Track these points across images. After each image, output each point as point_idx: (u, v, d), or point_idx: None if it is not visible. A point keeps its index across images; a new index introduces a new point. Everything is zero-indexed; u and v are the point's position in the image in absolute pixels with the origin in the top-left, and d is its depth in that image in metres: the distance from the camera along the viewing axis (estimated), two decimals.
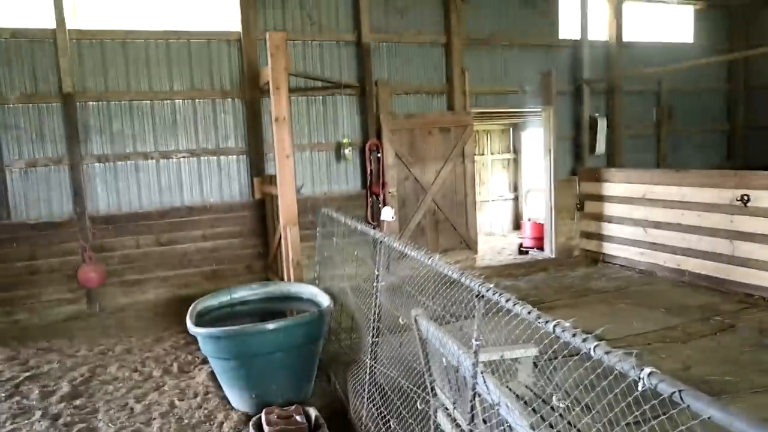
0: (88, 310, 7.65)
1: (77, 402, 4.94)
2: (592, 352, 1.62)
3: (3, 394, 5.14)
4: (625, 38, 11.03)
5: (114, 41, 7.70)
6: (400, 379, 3.61)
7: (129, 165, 7.90)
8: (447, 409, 3.15)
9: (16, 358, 6.08)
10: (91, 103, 7.66)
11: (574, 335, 1.71)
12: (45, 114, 7.48)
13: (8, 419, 4.66)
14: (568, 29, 10.59)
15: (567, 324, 1.78)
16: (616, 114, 10.96)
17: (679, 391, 1.37)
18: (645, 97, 11.47)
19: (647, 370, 1.44)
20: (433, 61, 9.52)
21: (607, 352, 1.57)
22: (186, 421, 4.50)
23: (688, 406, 1.36)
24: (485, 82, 9.89)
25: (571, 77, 10.62)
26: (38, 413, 4.73)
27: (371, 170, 8.97)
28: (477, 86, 9.77)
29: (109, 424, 4.50)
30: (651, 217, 8.66)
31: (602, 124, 10.68)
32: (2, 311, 7.27)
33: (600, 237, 9.73)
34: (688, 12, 11.89)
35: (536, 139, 12.00)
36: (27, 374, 5.60)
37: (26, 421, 4.60)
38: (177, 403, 4.82)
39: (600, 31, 10.91)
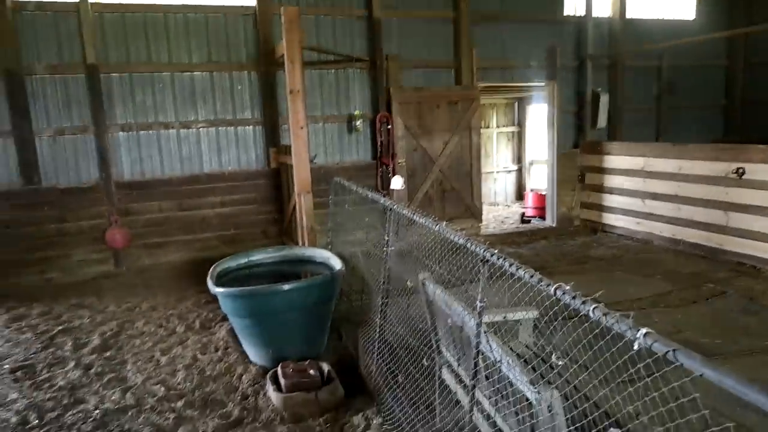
0: (115, 270, 7.77)
1: (107, 354, 5.06)
2: (590, 314, 1.63)
3: (39, 346, 5.28)
4: (629, 15, 10.76)
5: (135, 14, 7.62)
6: (407, 337, 3.66)
7: (151, 134, 7.90)
8: (451, 366, 3.20)
9: (50, 314, 6.21)
10: (114, 74, 7.63)
11: (573, 297, 1.72)
12: (70, 84, 7.46)
13: (45, 368, 4.79)
14: (572, 5, 10.34)
15: (567, 287, 1.79)
16: (618, 89, 10.79)
17: (673, 350, 1.39)
18: (646, 73, 11.24)
19: (643, 330, 1.46)
20: (442, 37, 9.35)
21: (604, 314, 1.58)
22: (208, 373, 4.60)
23: (682, 364, 1.38)
24: (492, 57, 9.73)
25: (575, 53, 10.42)
26: (72, 363, 4.86)
27: (381, 141, 8.92)
28: (484, 61, 9.62)
29: (137, 374, 4.61)
30: (649, 189, 8.59)
31: (604, 99, 10.52)
32: (36, 270, 7.40)
33: (600, 207, 9.68)
34: None
35: (540, 112, 11.84)
36: (60, 328, 5.73)
37: (61, 370, 4.73)
38: (199, 356, 4.93)
39: (604, 8, 10.65)
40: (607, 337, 1.69)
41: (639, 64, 11.00)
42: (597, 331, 1.83)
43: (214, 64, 8.07)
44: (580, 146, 10.32)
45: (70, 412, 4.02)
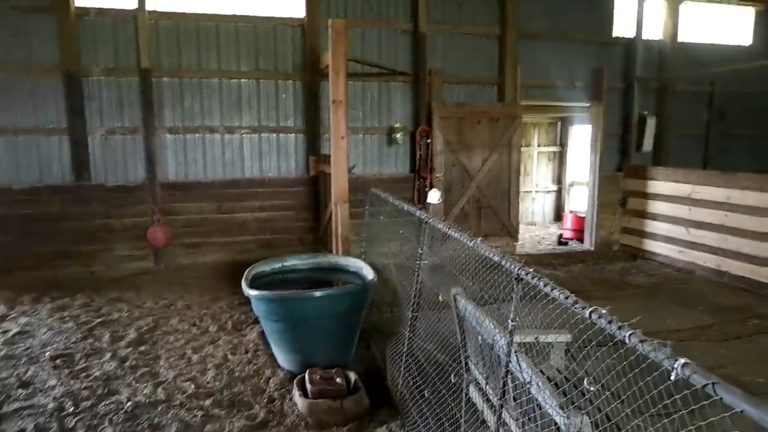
0: (154, 267, 8.00)
1: (142, 348, 5.19)
2: (626, 340, 1.59)
3: (79, 335, 5.46)
4: (680, 38, 10.51)
5: (188, 22, 7.89)
6: (436, 352, 3.63)
7: (197, 138, 8.14)
8: (479, 384, 3.15)
9: (91, 305, 6.42)
10: (165, 79, 7.90)
11: (609, 322, 1.68)
12: (124, 87, 7.77)
13: (82, 357, 4.95)
14: (622, 27, 10.17)
15: (603, 311, 1.75)
16: (666, 113, 10.51)
17: (713, 383, 1.33)
18: (696, 98, 10.92)
19: (681, 360, 1.41)
20: (487, 53, 9.34)
21: (641, 341, 1.54)
22: (237, 374, 4.66)
23: (721, 399, 1.32)
24: (536, 76, 9.65)
25: (622, 74, 10.22)
26: (108, 355, 5.01)
27: (420, 155, 8.93)
28: (528, 79, 9.55)
29: (169, 370, 4.71)
30: (694, 217, 8.31)
31: (651, 123, 10.27)
32: (81, 263, 7.68)
33: (641, 233, 9.42)
34: (749, 13, 11.21)
35: (583, 133, 11.65)
36: (99, 320, 5.92)
37: (97, 361, 4.88)
38: (230, 356, 5.01)
39: (655, 31, 10.43)
40: (643, 366, 1.64)
41: (689, 89, 10.71)
42: (632, 358, 1.77)
43: (260, 72, 8.27)
44: (623, 170, 10.09)
45: (103, 403, 4.14)
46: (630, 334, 1.58)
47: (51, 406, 4.07)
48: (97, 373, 4.63)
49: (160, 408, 4.07)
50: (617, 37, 10.13)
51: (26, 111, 7.42)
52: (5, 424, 3.81)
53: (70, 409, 4.03)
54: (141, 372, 4.68)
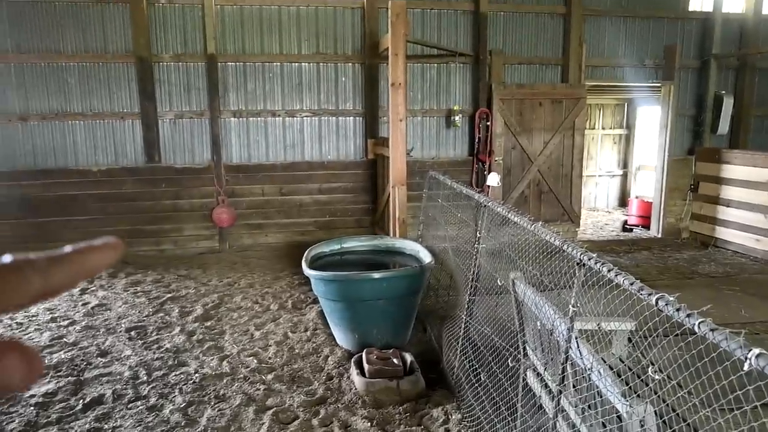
0: (219, 247, 8.33)
1: (208, 323, 5.45)
2: (696, 328, 1.53)
3: (151, 310, 5.80)
4: (765, 11, 9.76)
5: (252, 7, 8.06)
6: (493, 336, 3.61)
7: (259, 121, 8.35)
8: (537, 369, 3.12)
9: (162, 282, 6.79)
10: (229, 63, 8.13)
11: (678, 309, 1.62)
12: (191, 72, 8.05)
13: (154, 330, 5.25)
14: (698, 0, 9.56)
15: (671, 298, 1.69)
16: (745, 93, 9.84)
17: None
18: None
19: (756, 350, 1.35)
20: (550, 32, 9.03)
21: (712, 329, 1.48)
22: (297, 351, 4.82)
23: None
24: (603, 55, 9.25)
25: (697, 52, 9.63)
26: (177, 328, 5.29)
27: (479, 138, 8.80)
28: (594, 58, 9.17)
29: (233, 345, 4.93)
30: None
31: (728, 103, 9.63)
32: (152, 241, 8.11)
33: (713, 220, 8.94)
34: None
35: (652, 115, 11.11)
36: (169, 295, 6.25)
37: (168, 334, 5.17)
38: (290, 334, 5.17)
39: (736, 4, 9.74)
40: (713, 355, 1.58)
41: None
42: (701, 348, 1.71)
43: (321, 55, 8.36)
44: (695, 153, 9.57)
45: (173, 373, 4.39)
46: (700, 323, 1.52)
47: (127, 374, 4.36)
48: (168, 345, 4.91)
49: (225, 380, 4.27)
50: (692, 12, 9.53)
51: (102, 96, 7.85)
52: (87, 389, 4.12)
53: (144, 378, 4.30)
54: (207, 346, 4.91)
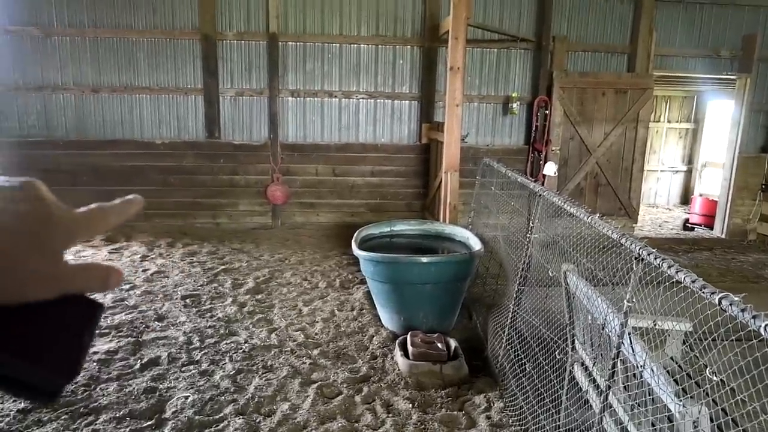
0: (272, 223, 8.54)
1: (258, 296, 5.62)
2: (762, 331, 1.47)
3: (205, 280, 6.03)
4: None
5: None
6: (541, 327, 3.57)
7: (316, 101, 8.45)
8: (585, 364, 3.07)
9: (216, 254, 7.04)
10: (290, 43, 8.24)
11: (743, 310, 1.55)
12: (253, 51, 8.21)
13: (208, 299, 5.47)
14: None
15: (736, 298, 1.62)
16: None
17: None
18: None
19: None
20: (619, 18, 8.66)
21: None
22: (343, 329, 4.91)
23: None
24: (674, 44, 8.80)
25: None
26: (229, 299, 5.49)
27: (537, 126, 8.60)
28: (664, 47, 8.74)
29: (282, 319, 5.07)
30: None
31: None
32: (209, 214, 8.40)
33: None
34: None
35: (723, 109, 10.53)
36: (223, 267, 6.47)
37: (220, 304, 5.37)
38: (337, 312, 5.27)
39: None
40: None
41: None
42: (757, 354, 1.64)
43: (380, 37, 8.35)
44: None
45: (225, 341, 4.56)
46: (766, 325, 1.45)
47: (181, 339, 4.56)
48: (220, 315, 5.10)
49: (273, 352, 4.41)
50: None
51: (168, 71, 8.13)
52: (144, 350, 4.35)
53: (197, 344, 4.49)
54: (257, 318, 5.08)
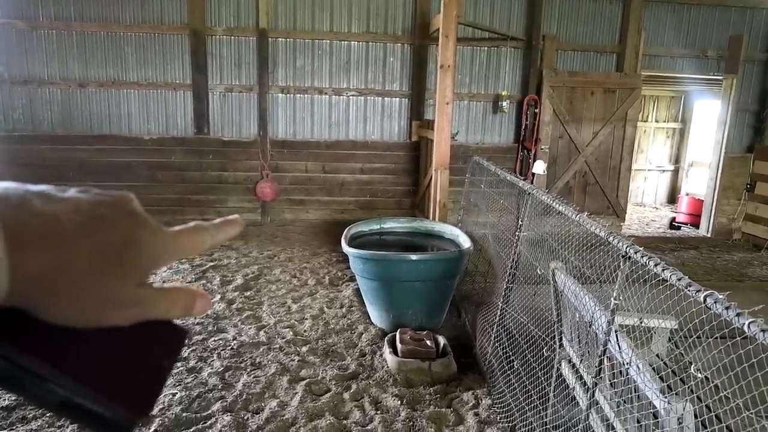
0: (261, 221, 8.50)
1: (247, 293, 5.60)
2: (745, 328, 1.49)
3: (194, 277, 5.99)
4: None
5: None
6: (529, 325, 3.59)
7: (306, 98, 8.41)
8: (572, 361, 3.09)
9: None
10: (280, 39, 8.19)
11: (727, 308, 1.57)
12: (242, 46, 8.16)
13: None
14: None
15: (720, 296, 1.64)
16: None
17: None
18: None
19: None
20: (608, 18, 8.72)
21: (763, 330, 1.43)
22: (332, 326, 4.91)
23: None
24: (662, 44, 8.88)
25: (765, 44, 9.12)
26: (218, 296, 5.46)
27: (526, 125, 8.64)
28: (652, 47, 8.82)
29: (271, 316, 5.06)
30: None
31: None
32: (197, 210, 8.34)
33: None
34: None
35: (710, 109, 10.64)
36: (212, 264, 6.44)
37: None
38: (326, 309, 5.27)
39: None
40: (762, 356, 1.53)
41: None
42: (741, 351, 1.66)
43: (370, 34, 8.33)
44: (755, 151, 9.13)
45: (213, 338, 4.54)
46: (750, 323, 1.47)
47: None
48: (208, 312, 5.07)
49: (261, 349, 4.40)
50: (763, 0, 9.02)
51: (157, 66, 8.06)
52: None
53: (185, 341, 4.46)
54: (246, 315, 5.06)
